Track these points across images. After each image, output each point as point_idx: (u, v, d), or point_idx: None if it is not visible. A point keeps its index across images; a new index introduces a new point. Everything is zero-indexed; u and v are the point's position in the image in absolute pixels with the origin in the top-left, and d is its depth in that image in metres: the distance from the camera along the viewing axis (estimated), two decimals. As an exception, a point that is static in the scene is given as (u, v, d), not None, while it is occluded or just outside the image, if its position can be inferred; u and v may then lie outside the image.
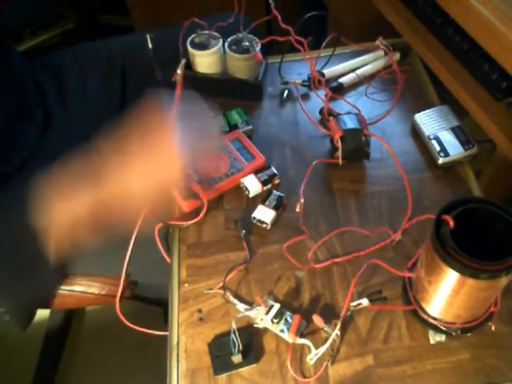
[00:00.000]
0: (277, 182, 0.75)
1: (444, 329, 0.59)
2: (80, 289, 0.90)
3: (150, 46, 0.82)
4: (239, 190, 0.76)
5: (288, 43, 0.79)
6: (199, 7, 1.38)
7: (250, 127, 0.82)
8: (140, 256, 0.79)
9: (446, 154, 0.75)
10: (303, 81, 0.87)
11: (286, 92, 0.87)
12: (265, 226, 0.71)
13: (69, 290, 0.90)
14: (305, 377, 0.58)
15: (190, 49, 0.83)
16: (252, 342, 0.61)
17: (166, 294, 0.68)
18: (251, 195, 0.75)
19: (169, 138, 0.55)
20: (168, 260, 0.71)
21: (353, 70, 0.88)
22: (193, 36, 0.83)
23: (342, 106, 0.83)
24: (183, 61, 0.83)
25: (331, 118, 0.77)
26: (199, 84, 0.87)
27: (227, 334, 0.60)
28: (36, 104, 0.88)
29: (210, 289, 0.66)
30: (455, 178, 0.75)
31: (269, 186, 0.75)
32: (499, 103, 0.74)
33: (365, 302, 0.59)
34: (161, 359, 0.66)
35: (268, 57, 0.91)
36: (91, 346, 1.32)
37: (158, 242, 0.72)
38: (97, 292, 0.90)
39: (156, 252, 0.74)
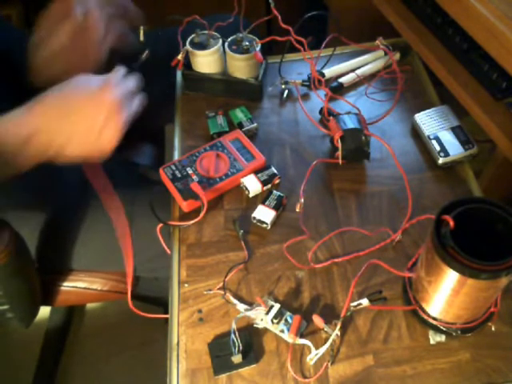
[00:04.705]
0: (277, 181, 0.75)
1: (444, 329, 0.59)
2: (83, 285, 0.90)
3: (142, 38, 0.81)
4: (239, 190, 0.76)
5: (288, 43, 0.79)
6: (199, 7, 1.37)
7: (255, 125, 0.82)
8: (141, 250, 0.79)
9: (446, 154, 0.75)
10: (303, 81, 0.87)
11: (286, 92, 0.87)
12: (265, 225, 0.71)
13: (72, 287, 0.90)
14: (305, 377, 0.58)
15: (189, 48, 0.83)
16: (252, 342, 0.60)
17: (166, 294, 0.68)
18: (251, 195, 0.75)
19: None
20: (168, 251, 0.71)
21: (353, 70, 0.88)
22: (192, 36, 0.83)
23: (342, 106, 0.83)
24: (184, 48, 0.83)
25: (331, 117, 0.77)
26: (199, 84, 0.87)
27: (227, 334, 0.61)
28: None
29: (210, 289, 0.66)
30: (455, 178, 0.75)
31: (269, 185, 0.75)
32: (499, 103, 0.74)
33: (365, 302, 0.59)
34: (161, 359, 0.66)
35: (268, 57, 0.91)
36: (91, 346, 1.32)
37: (161, 238, 0.73)
38: (100, 288, 0.90)
39: (157, 246, 0.74)
